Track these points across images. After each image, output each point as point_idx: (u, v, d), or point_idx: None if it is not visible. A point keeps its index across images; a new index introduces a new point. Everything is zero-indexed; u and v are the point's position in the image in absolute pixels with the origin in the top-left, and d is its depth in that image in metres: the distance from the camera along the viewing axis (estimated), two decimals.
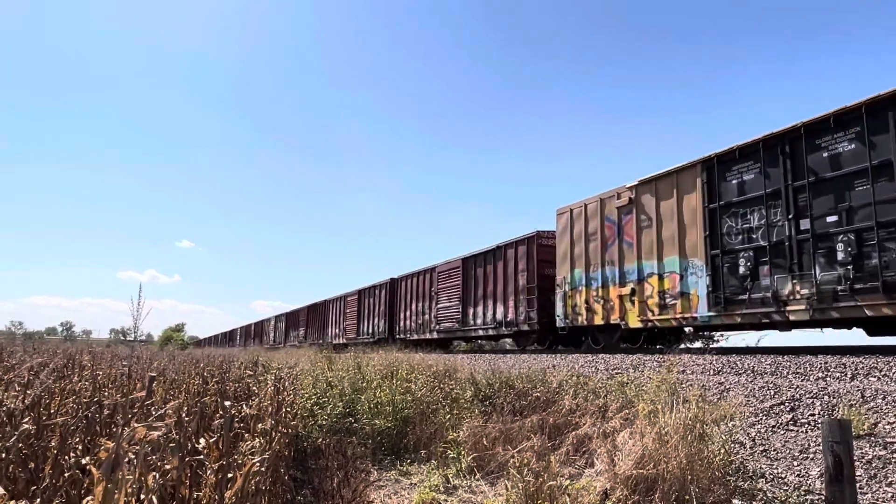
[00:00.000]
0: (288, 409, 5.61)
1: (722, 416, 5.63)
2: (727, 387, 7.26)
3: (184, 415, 3.56)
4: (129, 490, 2.13)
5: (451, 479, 5.83)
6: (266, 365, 10.56)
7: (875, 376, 6.67)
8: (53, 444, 3.00)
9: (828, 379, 6.93)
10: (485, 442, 6.25)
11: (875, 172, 8.16)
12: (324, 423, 7.35)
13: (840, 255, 8.43)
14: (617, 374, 8.81)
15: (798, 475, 4.94)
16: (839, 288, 8.46)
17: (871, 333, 9.33)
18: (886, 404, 5.67)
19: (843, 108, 8.61)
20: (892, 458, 4.84)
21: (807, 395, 6.32)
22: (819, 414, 5.87)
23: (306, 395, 7.93)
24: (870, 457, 4.92)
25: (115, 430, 3.18)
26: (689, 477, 4.50)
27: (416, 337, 22.92)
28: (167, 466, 2.83)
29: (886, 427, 5.29)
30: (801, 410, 6.06)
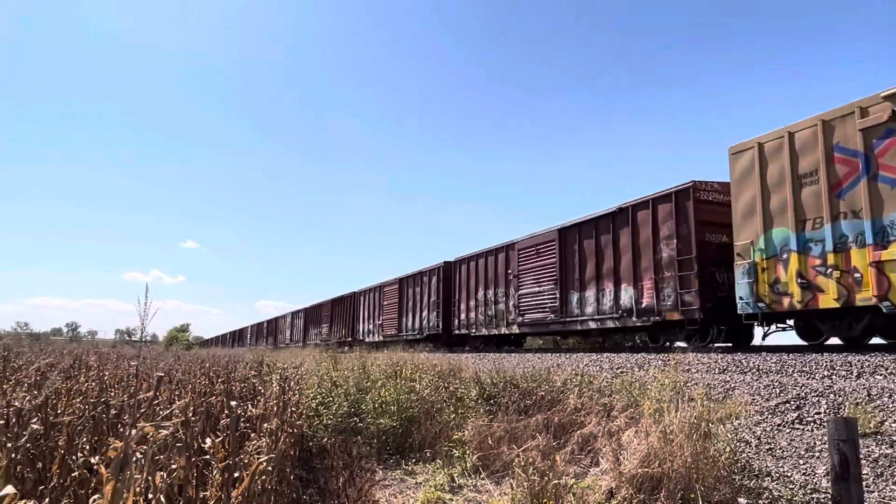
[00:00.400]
0: (293, 409, 5.62)
1: (727, 415, 5.63)
2: (732, 385, 7.25)
3: (190, 415, 3.58)
4: (138, 489, 2.15)
5: (456, 479, 5.83)
6: (271, 365, 10.59)
7: (881, 374, 6.65)
8: (61, 443, 3.02)
9: (833, 377, 6.91)
10: (490, 441, 6.26)
11: None
12: (329, 422, 7.37)
13: None
14: (622, 373, 8.81)
15: (804, 474, 4.93)
16: None
17: None
18: (893, 402, 5.65)
19: None
20: None
21: (812, 394, 6.30)
22: (825, 412, 5.86)
23: (311, 395, 7.95)
24: (876, 455, 4.90)
25: (121, 430, 3.20)
26: (695, 476, 4.50)
27: (484, 332, 18.79)
28: (174, 466, 2.85)
29: (893, 425, 5.28)
30: (806, 409, 6.04)
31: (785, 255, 9.67)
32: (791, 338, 11.02)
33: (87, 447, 3.16)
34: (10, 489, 1.97)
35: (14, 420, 3.09)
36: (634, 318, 12.85)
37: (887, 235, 8.29)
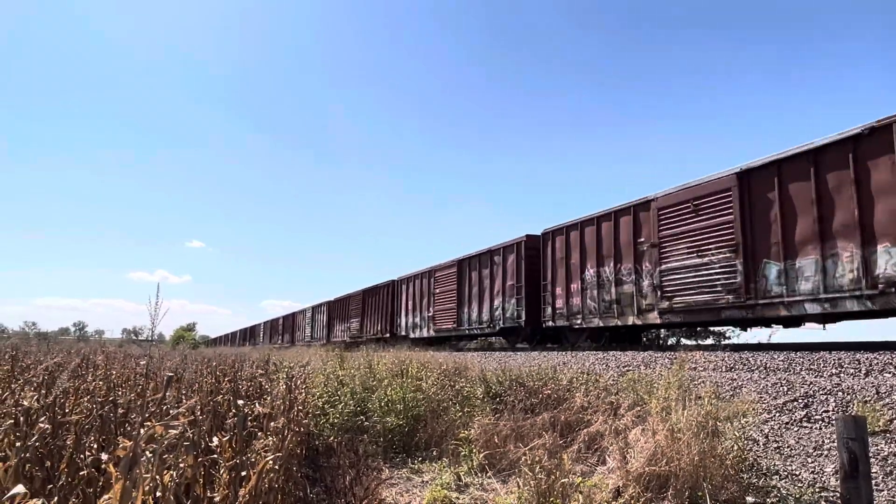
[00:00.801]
0: (300, 408, 5.63)
1: (734, 413, 5.60)
2: (739, 384, 7.22)
3: (198, 413, 3.59)
4: (146, 488, 2.15)
5: (462, 477, 5.84)
6: (278, 364, 10.62)
7: (890, 372, 6.61)
8: (69, 442, 3.04)
9: (842, 375, 6.88)
10: (496, 440, 6.26)
11: None
12: (335, 421, 7.39)
13: None
14: (628, 371, 8.79)
15: (812, 472, 4.91)
16: None
17: None
18: None
19: None
20: None
21: (820, 392, 6.27)
22: (833, 410, 5.83)
23: (318, 394, 7.97)
24: (885, 453, 4.88)
25: (129, 428, 3.21)
26: (702, 474, 4.48)
27: (597, 323, 13.96)
28: (182, 465, 2.86)
29: None
30: (814, 407, 6.02)
31: None
32: (796, 335, 10.97)
33: (95, 446, 3.17)
34: (20, 488, 1.98)
35: (23, 419, 3.11)
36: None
37: None
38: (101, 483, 2.82)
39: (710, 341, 17.93)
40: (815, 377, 6.95)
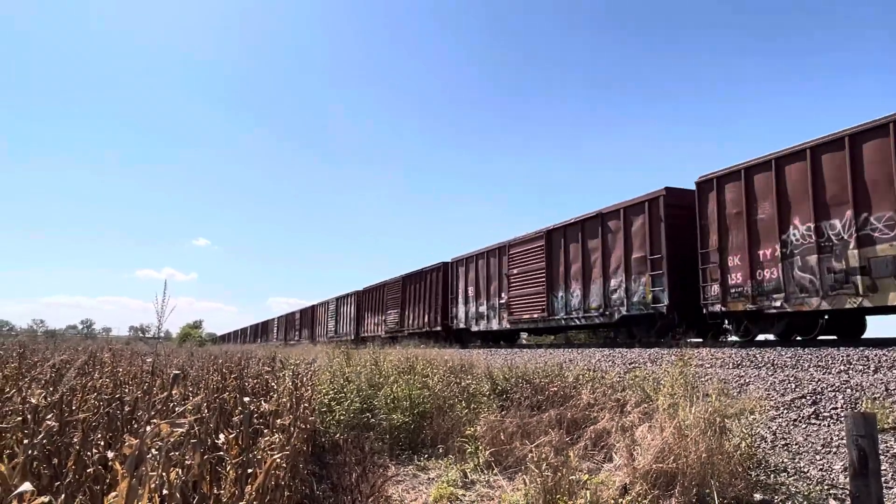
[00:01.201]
0: (306, 405, 5.64)
1: (742, 410, 5.58)
2: (747, 380, 7.19)
3: (204, 411, 3.59)
4: (153, 486, 2.15)
5: (468, 474, 5.83)
6: (284, 361, 10.63)
7: None
8: (76, 440, 3.04)
9: (850, 372, 6.83)
10: (502, 437, 6.25)
11: None
12: (341, 418, 7.39)
13: None
14: (634, 367, 8.76)
15: (821, 469, 4.88)
16: None
17: None
18: None
19: None
20: None
21: (829, 389, 6.23)
22: (842, 407, 5.79)
23: (324, 391, 7.98)
24: (895, 451, 4.84)
25: (136, 426, 3.21)
26: (710, 471, 4.46)
27: (816, 304, 9.50)
28: (189, 462, 2.86)
29: None
30: (823, 404, 5.98)
31: None
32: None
33: (102, 444, 3.17)
34: (27, 486, 1.98)
35: (30, 417, 3.12)
36: None
37: None
38: (108, 481, 2.82)
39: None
40: (824, 374, 6.91)
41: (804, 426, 5.71)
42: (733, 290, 10.98)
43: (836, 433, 5.34)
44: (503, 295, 18.34)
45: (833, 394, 6.10)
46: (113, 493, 2.02)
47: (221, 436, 3.41)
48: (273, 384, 6.34)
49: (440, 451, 6.75)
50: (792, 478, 4.85)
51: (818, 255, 9.50)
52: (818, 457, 5.09)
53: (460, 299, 21.38)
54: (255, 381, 6.49)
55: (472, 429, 6.43)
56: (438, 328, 22.30)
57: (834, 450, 5.11)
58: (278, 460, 3.22)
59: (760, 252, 10.50)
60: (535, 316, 16.50)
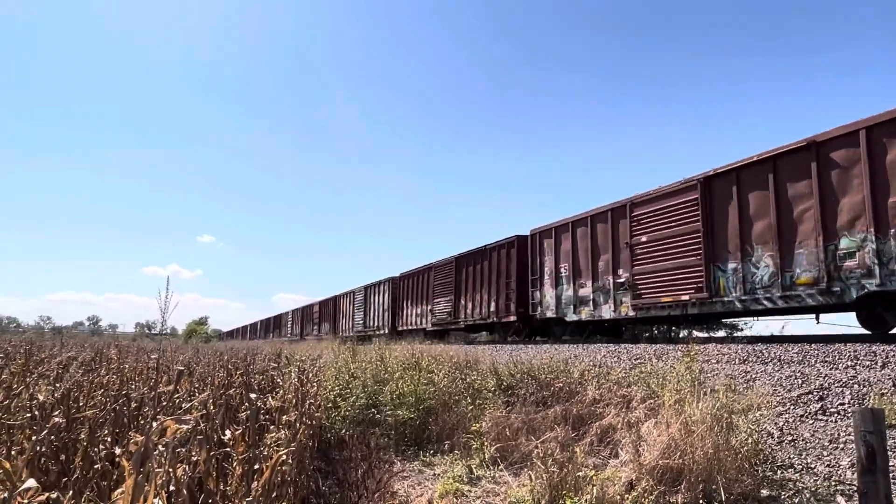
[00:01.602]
0: (312, 401, 5.65)
1: (749, 406, 5.56)
2: (753, 376, 7.16)
3: (210, 407, 3.60)
4: (159, 482, 2.16)
5: (474, 470, 5.83)
6: (290, 357, 10.66)
7: None
8: (83, 436, 3.05)
9: (857, 367, 6.79)
10: (507, 433, 6.25)
11: None
12: (347, 414, 7.41)
13: None
14: (640, 363, 8.74)
15: (828, 465, 4.86)
16: None
17: None
18: None
19: None
20: None
21: (836, 384, 6.20)
22: (849, 403, 5.76)
23: (330, 387, 7.99)
24: None
25: (142, 422, 3.22)
26: (716, 467, 4.45)
27: None
28: (195, 458, 2.86)
29: None
30: (830, 399, 5.95)
31: None
32: (807, 327, 10.63)
33: (109, 439, 3.19)
34: (31, 482, 1.99)
35: (38, 413, 3.13)
36: None
37: None
38: (115, 476, 2.83)
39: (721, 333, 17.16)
40: (831, 369, 6.87)
41: (811, 422, 5.68)
42: None
43: (844, 429, 5.32)
44: (621, 272, 13.52)
45: (840, 389, 6.07)
46: (119, 490, 2.03)
47: (228, 432, 3.42)
48: (279, 380, 6.35)
49: (446, 446, 6.75)
50: (799, 474, 4.83)
51: None
52: (825, 453, 5.07)
53: (547, 280, 16.20)
54: (260, 377, 6.51)
55: (478, 425, 6.43)
56: (512, 318, 17.48)
57: (841, 446, 5.09)
58: (284, 456, 3.23)
59: None
60: (686, 298, 11.88)
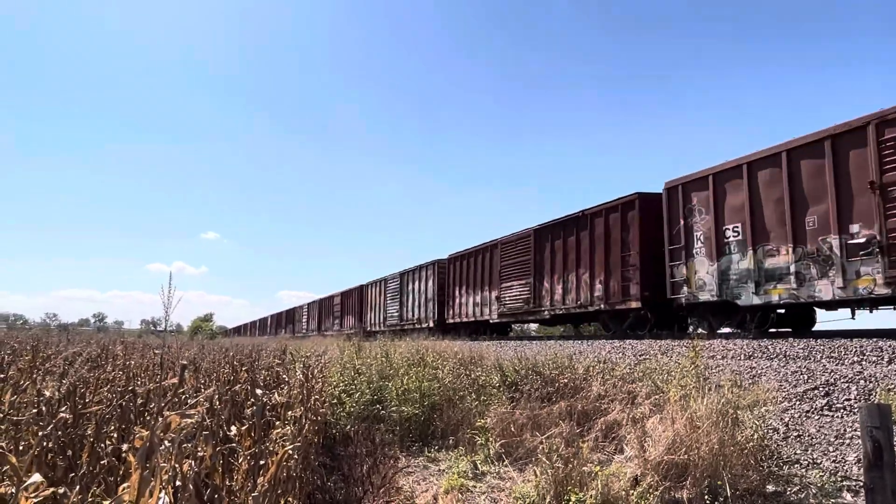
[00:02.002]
0: (317, 397, 5.66)
1: (754, 402, 5.54)
2: (759, 372, 7.14)
3: (216, 403, 3.61)
4: (165, 477, 2.16)
5: (479, 466, 5.84)
6: (295, 353, 10.68)
7: None
8: (90, 432, 3.06)
9: (864, 363, 6.77)
10: (512, 428, 6.24)
11: None
12: (352, 410, 7.42)
13: None
14: (645, 359, 8.72)
15: (834, 461, 4.84)
16: None
17: None
18: None
19: None
20: None
21: (842, 380, 6.18)
22: (855, 399, 5.74)
23: (335, 383, 8.01)
24: None
25: (148, 418, 3.23)
26: (722, 463, 4.44)
27: None
28: (201, 454, 2.87)
29: None
30: (836, 395, 5.93)
31: None
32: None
33: (115, 435, 3.20)
34: (37, 477, 2.00)
35: (44, 409, 3.14)
36: None
37: None
38: (121, 472, 2.84)
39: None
40: (836, 365, 6.85)
41: (817, 417, 5.67)
42: None
43: (850, 424, 5.30)
44: (856, 228, 8.97)
45: (846, 385, 6.05)
46: (125, 485, 2.03)
47: (233, 427, 3.43)
48: (284, 376, 6.37)
49: (450, 442, 6.76)
50: (805, 469, 4.82)
51: None
52: (831, 448, 5.05)
53: (699, 250, 11.72)
54: (266, 373, 6.52)
55: (483, 420, 6.43)
56: (632, 304, 13.19)
57: (847, 441, 5.07)
58: (290, 452, 3.23)
59: None
60: None
